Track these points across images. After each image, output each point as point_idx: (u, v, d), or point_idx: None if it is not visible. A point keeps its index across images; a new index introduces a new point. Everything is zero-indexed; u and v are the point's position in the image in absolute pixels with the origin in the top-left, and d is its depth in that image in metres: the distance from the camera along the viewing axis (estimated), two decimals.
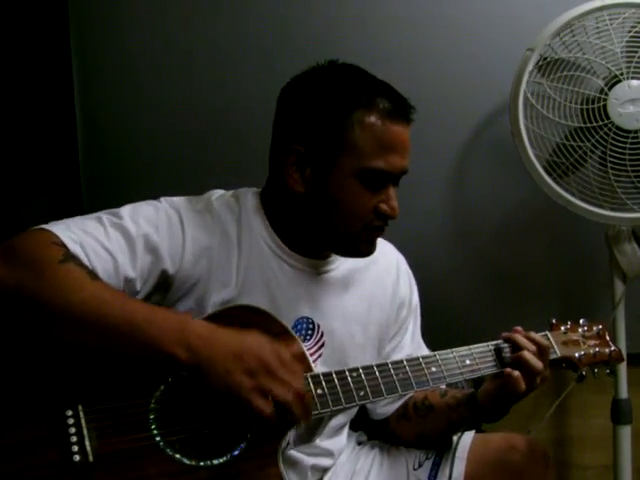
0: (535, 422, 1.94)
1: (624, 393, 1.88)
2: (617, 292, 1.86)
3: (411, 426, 1.41)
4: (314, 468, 1.34)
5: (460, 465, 1.34)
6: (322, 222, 1.24)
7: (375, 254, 1.33)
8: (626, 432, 1.88)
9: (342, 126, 1.20)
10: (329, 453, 1.37)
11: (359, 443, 1.50)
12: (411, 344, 1.44)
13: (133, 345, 1.04)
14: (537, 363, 1.25)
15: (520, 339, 1.28)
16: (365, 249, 1.27)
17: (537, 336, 1.30)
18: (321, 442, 1.34)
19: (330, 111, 1.21)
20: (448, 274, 1.99)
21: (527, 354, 1.25)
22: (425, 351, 1.46)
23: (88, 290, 1.04)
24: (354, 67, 1.28)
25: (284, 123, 1.27)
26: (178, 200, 1.25)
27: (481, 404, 1.29)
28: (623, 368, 1.83)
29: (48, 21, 1.97)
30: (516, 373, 1.24)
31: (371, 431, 1.50)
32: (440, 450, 1.38)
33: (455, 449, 1.35)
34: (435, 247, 1.99)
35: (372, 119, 1.20)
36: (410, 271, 1.46)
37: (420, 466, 1.38)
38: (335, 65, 1.28)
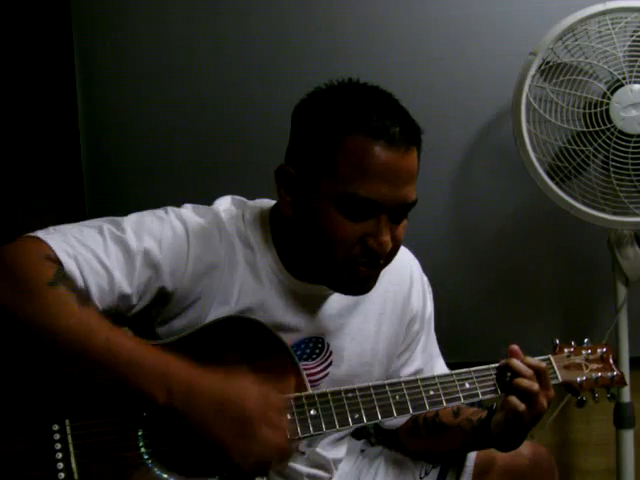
0: (538, 427, 1.92)
1: (627, 397, 1.87)
2: (620, 296, 1.85)
3: (421, 443, 1.38)
4: (310, 477, 1.32)
5: (468, 474, 1.33)
6: (308, 249, 1.17)
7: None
8: (629, 436, 1.88)
9: (328, 149, 1.12)
10: (327, 463, 1.35)
11: (362, 451, 1.48)
12: (422, 356, 1.40)
13: (113, 381, 1.01)
14: (532, 385, 1.20)
15: (516, 364, 1.22)
16: (354, 286, 1.18)
17: (534, 360, 1.24)
18: (321, 451, 1.32)
19: (319, 133, 1.13)
20: (450, 278, 1.99)
21: (521, 380, 1.20)
22: (439, 359, 1.43)
23: (75, 317, 1.01)
24: (366, 87, 1.18)
25: (289, 142, 1.21)
26: (185, 212, 1.19)
27: (493, 432, 1.24)
28: (626, 372, 1.83)
29: (51, 24, 1.97)
30: (511, 397, 1.20)
31: (378, 436, 1.49)
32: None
33: (463, 458, 1.34)
34: (437, 251, 1.98)
35: (358, 142, 1.10)
36: (425, 278, 1.41)
37: (426, 474, 1.37)
38: (347, 84, 1.18)
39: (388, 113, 1.14)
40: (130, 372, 1.00)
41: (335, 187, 1.12)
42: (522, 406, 1.19)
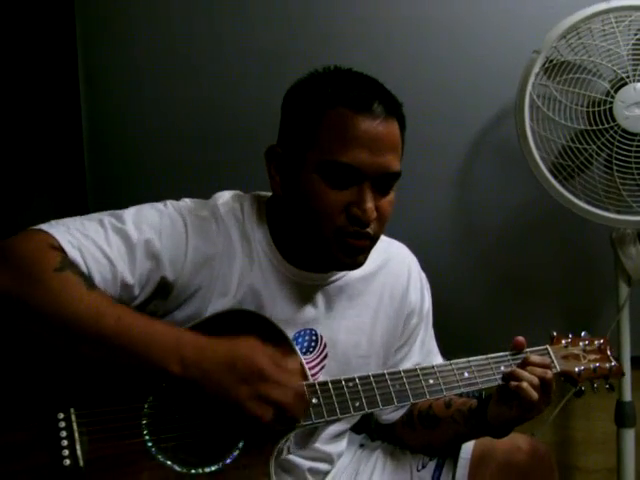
0: (539, 424, 1.93)
1: (628, 396, 1.87)
2: (622, 295, 1.85)
3: (416, 435, 1.39)
4: (312, 471, 1.33)
5: (464, 466, 1.34)
6: (299, 226, 1.20)
7: (385, 257, 1.31)
8: (630, 435, 1.88)
9: (311, 124, 1.16)
10: (328, 457, 1.36)
11: (361, 445, 1.49)
12: (420, 352, 1.41)
13: (127, 358, 1.03)
14: (532, 394, 1.20)
15: (522, 374, 1.21)
16: (344, 259, 1.19)
17: (542, 371, 1.22)
18: (321, 446, 1.33)
19: (303, 109, 1.19)
20: (452, 276, 1.99)
21: (526, 386, 1.20)
22: (437, 356, 1.44)
23: (84, 301, 1.03)
24: (349, 71, 1.23)
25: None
26: (184, 205, 1.22)
27: (491, 424, 1.25)
28: (627, 371, 1.83)
29: (55, 24, 1.98)
30: (524, 384, 1.20)
31: (377, 432, 1.49)
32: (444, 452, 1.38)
33: (459, 450, 1.35)
34: (439, 249, 1.98)
35: (338, 114, 1.15)
36: (423, 274, 1.42)
37: (424, 467, 1.38)
38: (332, 69, 1.23)
39: (366, 87, 1.19)
40: (143, 348, 1.03)
41: (317, 157, 1.15)
42: (535, 395, 1.19)
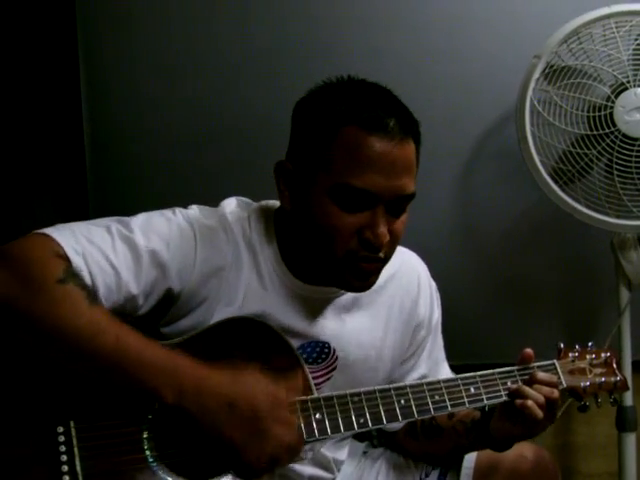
0: None
1: (629, 400, 1.87)
2: (622, 299, 1.85)
3: (418, 445, 1.38)
4: (312, 479, 1.32)
5: (467, 476, 1.33)
6: (308, 244, 1.17)
7: (396, 267, 1.29)
8: (631, 439, 1.87)
9: (323, 142, 1.13)
10: (328, 463, 1.35)
11: (364, 453, 1.48)
12: (427, 362, 1.39)
13: (122, 380, 1.02)
14: (538, 412, 1.18)
15: (529, 392, 1.19)
16: (355, 283, 1.17)
17: (548, 390, 1.20)
18: (324, 450, 1.32)
19: (315, 127, 1.15)
20: (453, 282, 1.98)
21: (531, 404, 1.18)
22: (444, 365, 1.43)
23: (84, 317, 1.01)
24: (363, 82, 1.19)
25: (289, 140, 1.22)
26: (193, 213, 1.19)
27: (493, 437, 1.24)
28: (628, 375, 1.83)
29: (56, 25, 1.98)
30: (529, 402, 1.18)
31: (379, 438, 1.49)
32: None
33: (462, 460, 1.34)
34: (439, 255, 1.97)
35: (352, 134, 1.11)
36: (433, 283, 1.40)
37: (427, 476, 1.37)
38: (344, 81, 1.19)
39: (381, 104, 1.14)
40: (139, 372, 1.00)
41: (330, 179, 1.12)
42: (540, 413, 1.18)
